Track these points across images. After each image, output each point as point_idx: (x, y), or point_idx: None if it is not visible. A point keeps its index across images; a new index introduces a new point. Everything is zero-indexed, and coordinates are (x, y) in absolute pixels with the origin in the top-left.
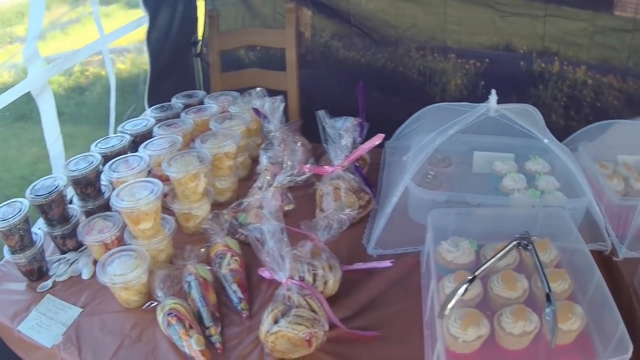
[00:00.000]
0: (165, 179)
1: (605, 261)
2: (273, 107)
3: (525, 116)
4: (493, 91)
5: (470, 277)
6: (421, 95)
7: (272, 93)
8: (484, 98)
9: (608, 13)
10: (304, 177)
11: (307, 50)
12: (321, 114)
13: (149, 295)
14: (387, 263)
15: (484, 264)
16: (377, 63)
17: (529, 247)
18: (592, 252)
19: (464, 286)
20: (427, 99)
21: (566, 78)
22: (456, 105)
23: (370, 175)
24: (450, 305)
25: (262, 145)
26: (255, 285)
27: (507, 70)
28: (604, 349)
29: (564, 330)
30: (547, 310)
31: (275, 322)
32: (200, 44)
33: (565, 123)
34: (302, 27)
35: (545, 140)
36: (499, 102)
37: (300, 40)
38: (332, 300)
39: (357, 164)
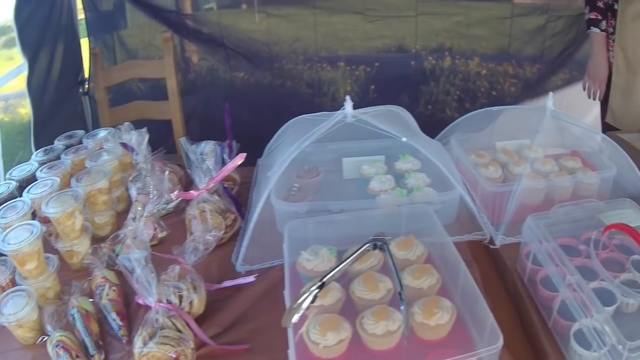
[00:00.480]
0: (48, 220)
1: (489, 249)
2: (139, 139)
3: (388, 117)
4: (347, 97)
5: (318, 284)
6: (311, 107)
7: (158, 123)
8: (375, 102)
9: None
10: (172, 204)
11: (197, 76)
12: (182, 141)
13: (42, 331)
14: (250, 278)
15: (334, 270)
16: (265, 80)
17: (383, 248)
18: (476, 242)
19: (313, 293)
20: (318, 110)
21: (458, 71)
22: (315, 115)
23: (241, 194)
24: (297, 314)
25: (130, 178)
26: (134, 312)
27: (398, 71)
28: (480, 339)
29: (432, 325)
30: (402, 307)
31: (145, 344)
32: (87, 82)
33: (460, 116)
34: (188, 54)
35: (404, 139)
36: (388, 103)
37: (188, 66)
38: (202, 318)
39: (225, 185)
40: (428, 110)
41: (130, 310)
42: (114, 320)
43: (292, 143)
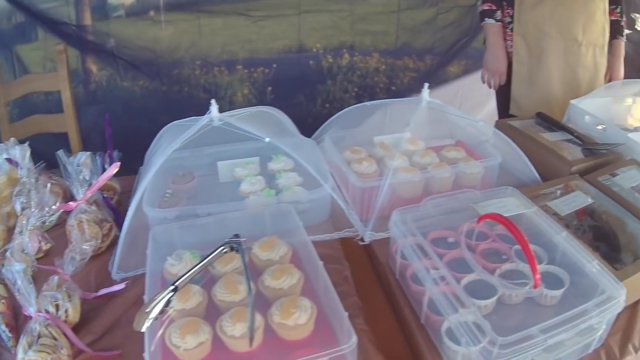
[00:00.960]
0: None
1: (367, 246)
2: (22, 153)
3: (257, 119)
4: (213, 101)
5: (172, 288)
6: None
7: (58, 136)
8: (272, 103)
9: None
10: (54, 216)
11: (97, 86)
12: (60, 154)
13: None
14: (121, 285)
15: (186, 274)
16: (163, 87)
17: (238, 250)
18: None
19: (167, 297)
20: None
21: (357, 68)
22: (185, 121)
23: (122, 203)
24: (149, 318)
25: (14, 192)
26: (22, 323)
27: (296, 71)
28: (342, 337)
29: (290, 326)
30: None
31: (25, 352)
32: None
33: None
34: (88, 64)
35: (267, 139)
36: (285, 103)
37: (88, 77)
38: (80, 326)
39: (105, 195)
40: (325, 109)
41: (19, 321)
42: (4, 331)
43: (164, 150)
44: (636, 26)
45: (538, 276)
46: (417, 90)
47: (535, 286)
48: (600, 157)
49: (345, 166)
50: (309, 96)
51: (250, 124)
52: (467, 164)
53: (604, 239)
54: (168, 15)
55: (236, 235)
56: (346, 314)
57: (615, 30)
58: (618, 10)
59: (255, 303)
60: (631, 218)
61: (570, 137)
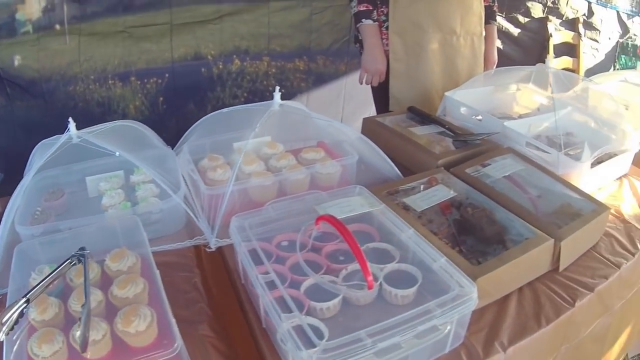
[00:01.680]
0: None
1: (220, 252)
2: None
3: (117, 133)
4: (70, 119)
5: (24, 300)
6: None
7: None
8: (164, 114)
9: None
10: None
11: None
12: None
13: None
14: None
15: (35, 287)
16: (59, 104)
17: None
18: None
19: (19, 309)
20: None
21: (246, 73)
22: (51, 139)
23: None
24: (3, 329)
25: None
26: None
27: (188, 80)
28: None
29: (132, 333)
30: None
31: None
32: None
33: None
34: None
35: (117, 153)
36: (177, 113)
37: None
38: None
39: None
40: None
41: None
42: None
43: (28, 170)
44: (532, 14)
45: (370, 277)
46: (307, 91)
47: (369, 287)
48: (473, 148)
49: (196, 174)
50: (199, 104)
51: (108, 139)
52: (322, 164)
53: (470, 233)
54: (72, 28)
55: (82, 249)
56: (173, 320)
57: (488, 16)
58: None
59: (105, 312)
60: (499, 209)
61: (442, 129)
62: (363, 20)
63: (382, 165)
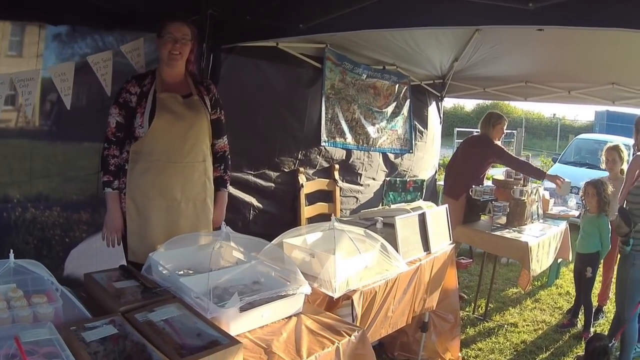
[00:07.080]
0: None
1: None
2: None
3: None
4: None
5: None
6: None
7: None
8: None
9: None
10: None
11: None
12: None
13: None
14: None
15: None
16: None
17: None
18: None
19: None
20: None
21: None
22: None
23: None
24: None
25: None
26: None
27: None
28: None
29: None
30: None
31: None
32: None
33: None
34: None
35: None
36: None
37: None
38: None
39: None
40: None
41: None
42: None
43: None
44: (282, 168)
45: None
46: None
47: None
48: (157, 297)
49: None
50: None
51: None
52: None
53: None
54: None
55: None
56: None
57: (219, 184)
58: (222, 168)
59: None
60: (149, 346)
61: (137, 283)
62: (106, 188)
63: None
